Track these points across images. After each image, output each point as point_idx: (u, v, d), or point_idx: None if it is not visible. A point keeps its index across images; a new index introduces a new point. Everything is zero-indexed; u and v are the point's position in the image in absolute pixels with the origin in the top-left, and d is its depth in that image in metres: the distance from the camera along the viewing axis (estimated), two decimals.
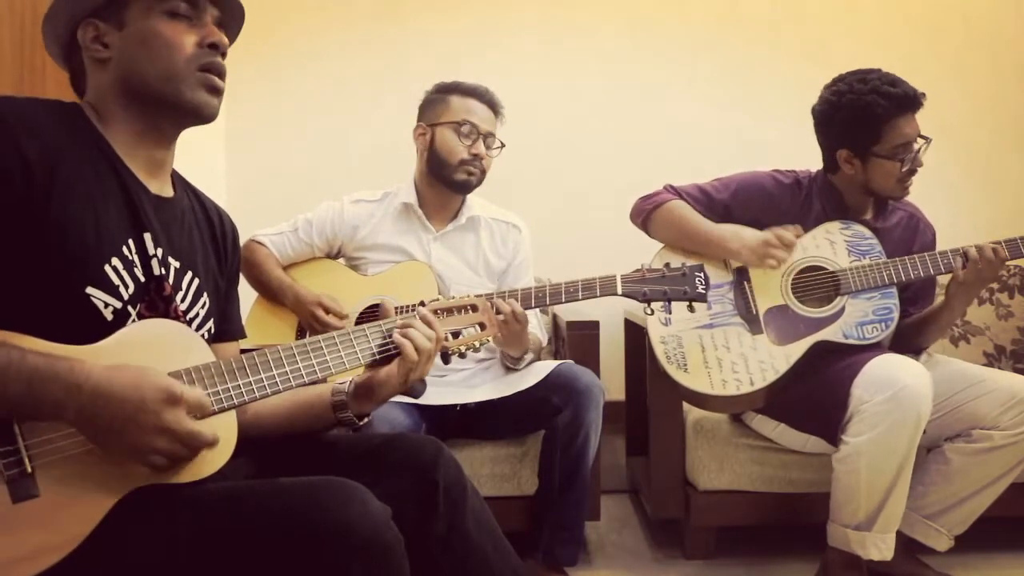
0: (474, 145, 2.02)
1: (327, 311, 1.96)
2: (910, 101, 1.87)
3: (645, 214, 2.06)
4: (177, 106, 1.08)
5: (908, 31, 2.95)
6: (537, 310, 2.07)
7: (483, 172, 2.05)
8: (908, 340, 2.00)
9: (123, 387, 0.90)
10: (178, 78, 1.07)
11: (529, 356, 1.97)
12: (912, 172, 1.93)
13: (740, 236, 1.96)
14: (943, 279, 2.01)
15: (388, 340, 1.18)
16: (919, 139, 1.91)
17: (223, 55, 1.11)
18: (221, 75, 1.10)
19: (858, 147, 1.93)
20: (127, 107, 1.09)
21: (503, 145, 2.08)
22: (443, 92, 2.07)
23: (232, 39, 1.21)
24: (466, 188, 2.06)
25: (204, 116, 1.10)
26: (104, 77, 1.09)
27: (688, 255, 2.02)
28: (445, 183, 2.05)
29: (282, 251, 2.08)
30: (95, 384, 0.89)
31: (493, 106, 2.07)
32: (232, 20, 1.17)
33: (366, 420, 1.25)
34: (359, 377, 1.22)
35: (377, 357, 1.18)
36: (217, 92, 1.10)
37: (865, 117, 1.88)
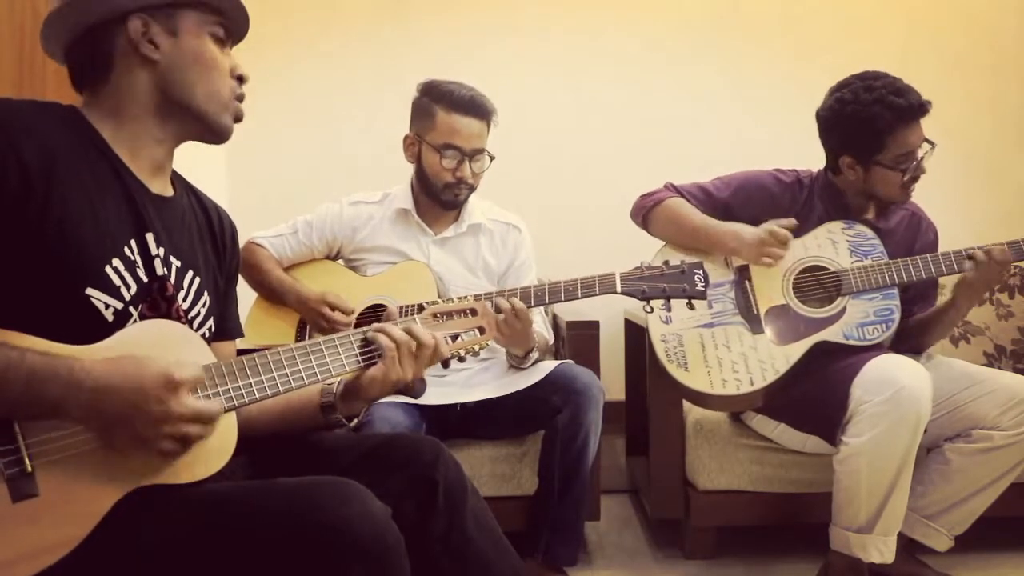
0: (458, 168, 1.97)
1: (333, 308, 1.95)
2: (915, 111, 1.86)
3: (645, 211, 2.06)
4: (211, 127, 1.14)
5: (908, 31, 2.95)
6: (541, 309, 2.07)
7: (471, 188, 2.02)
8: (911, 340, 2.00)
9: (123, 378, 0.91)
10: (222, 103, 1.14)
11: (535, 355, 1.94)
12: (915, 179, 1.92)
13: (738, 234, 1.95)
14: (944, 279, 2.00)
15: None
16: (924, 144, 1.90)
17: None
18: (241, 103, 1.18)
19: (861, 155, 1.92)
20: (157, 110, 1.10)
21: (493, 158, 2.02)
22: (431, 99, 1.99)
23: None
24: (454, 205, 2.05)
25: (223, 139, 1.17)
26: (143, 76, 1.09)
27: (688, 253, 2.01)
28: (433, 199, 2.04)
29: (281, 253, 2.08)
30: (95, 379, 0.90)
31: (482, 116, 1.98)
32: (237, 40, 1.22)
33: (356, 421, 1.25)
34: (348, 378, 1.21)
35: (374, 359, 1.17)
36: (239, 120, 1.17)
37: (869, 128, 1.87)
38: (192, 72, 1.10)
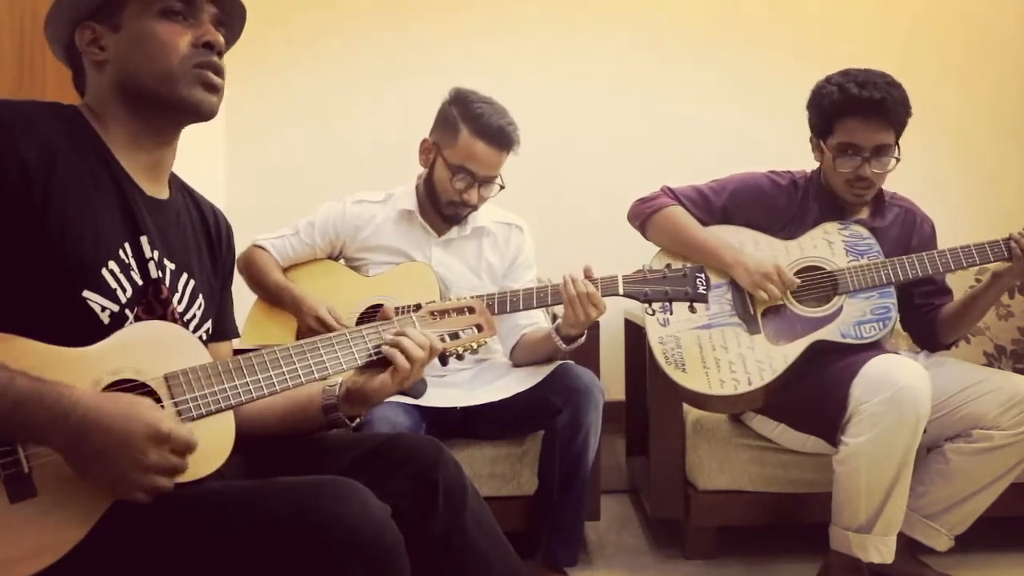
0: (466, 192, 1.96)
1: (331, 314, 1.93)
2: (864, 104, 1.84)
3: (643, 218, 2.06)
4: (174, 104, 1.08)
5: (908, 31, 2.95)
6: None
7: (474, 208, 2.02)
8: (948, 330, 2.01)
9: (111, 418, 0.89)
10: (173, 77, 1.06)
11: (581, 340, 1.88)
12: (860, 179, 1.91)
13: (739, 255, 1.95)
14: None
15: (382, 343, 1.18)
16: (888, 155, 1.89)
17: (219, 54, 1.10)
18: (218, 72, 1.10)
19: (817, 134, 1.98)
20: (125, 108, 1.09)
21: (503, 186, 2.02)
22: (459, 115, 1.94)
23: (235, 38, 1.20)
24: (454, 220, 2.05)
25: (202, 113, 1.10)
26: (102, 79, 1.09)
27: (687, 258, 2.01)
28: (435, 208, 2.04)
29: (283, 253, 2.08)
30: (83, 413, 0.88)
31: (507, 147, 1.96)
32: (232, 18, 1.17)
33: (357, 421, 1.25)
34: (350, 381, 1.21)
35: (374, 357, 1.17)
36: (214, 89, 1.10)
37: (820, 105, 1.93)
38: (136, 58, 1.06)
